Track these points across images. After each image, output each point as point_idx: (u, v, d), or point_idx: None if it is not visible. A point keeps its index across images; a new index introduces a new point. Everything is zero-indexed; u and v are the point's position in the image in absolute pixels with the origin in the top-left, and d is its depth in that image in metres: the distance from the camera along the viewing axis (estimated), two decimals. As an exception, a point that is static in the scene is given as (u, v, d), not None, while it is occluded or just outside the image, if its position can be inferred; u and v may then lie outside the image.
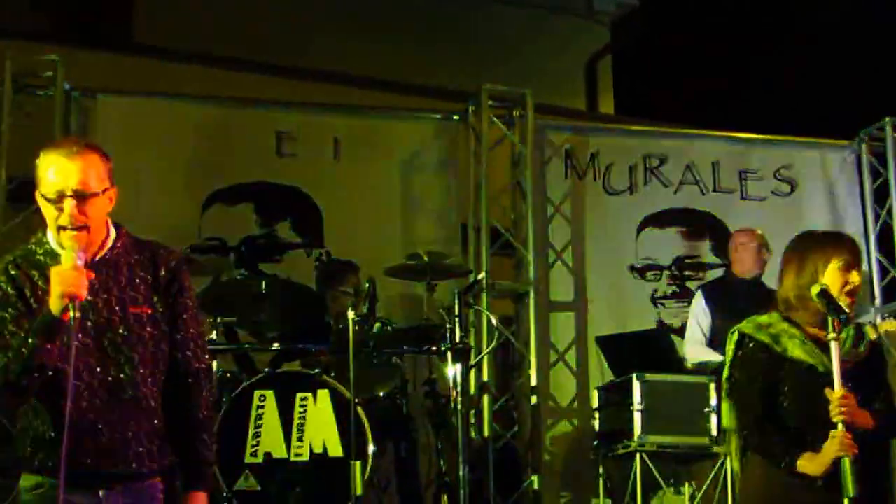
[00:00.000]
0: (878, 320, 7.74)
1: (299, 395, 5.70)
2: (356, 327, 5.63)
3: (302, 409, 5.67)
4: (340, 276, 6.82)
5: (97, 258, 3.38)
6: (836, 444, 3.83)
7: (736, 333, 4.15)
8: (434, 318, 6.40)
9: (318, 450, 5.63)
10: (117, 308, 3.37)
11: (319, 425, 5.66)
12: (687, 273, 8.24)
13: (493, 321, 7.14)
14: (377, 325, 6.30)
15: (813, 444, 3.90)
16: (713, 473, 6.73)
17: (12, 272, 3.36)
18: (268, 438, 5.64)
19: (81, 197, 3.30)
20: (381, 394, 6.25)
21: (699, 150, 8.46)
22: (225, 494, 5.50)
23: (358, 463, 5.40)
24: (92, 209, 3.33)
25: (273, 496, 5.59)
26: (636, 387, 6.52)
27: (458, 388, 6.13)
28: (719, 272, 7.96)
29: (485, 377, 7.40)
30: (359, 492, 5.39)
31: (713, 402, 6.50)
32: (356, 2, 10.95)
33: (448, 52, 10.94)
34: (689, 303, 7.39)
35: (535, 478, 7.42)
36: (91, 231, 3.34)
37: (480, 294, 7.37)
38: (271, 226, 7.72)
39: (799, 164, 8.55)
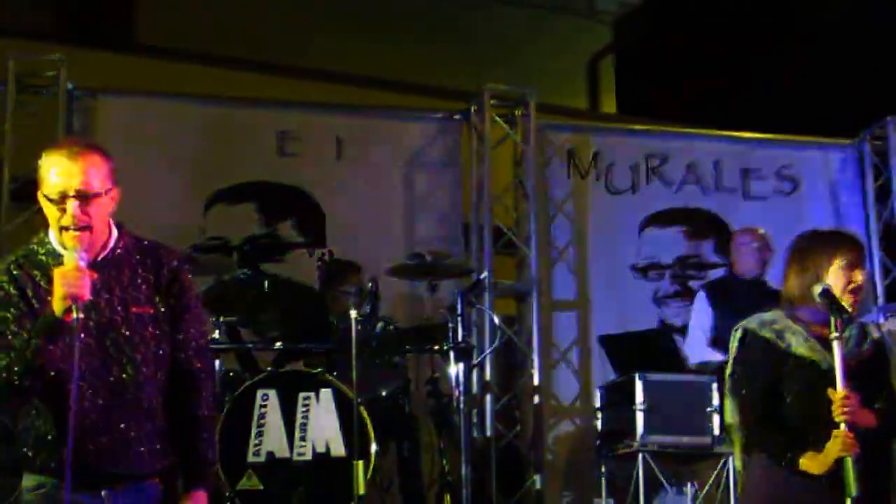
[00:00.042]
0: (881, 319, 7.75)
1: (302, 395, 5.70)
2: (359, 327, 5.63)
3: (304, 409, 5.68)
4: (343, 276, 6.82)
5: (99, 258, 3.38)
6: (838, 443, 3.84)
7: (740, 330, 4.16)
8: (436, 317, 6.40)
9: (320, 449, 5.63)
10: (119, 308, 3.38)
11: (322, 425, 5.66)
12: (689, 272, 8.24)
13: (496, 320, 7.14)
14: (380, 324, 6.31)
15: (815, 443, 3.90)
16: (715, 473, 6.73)
17: (14, 272, 3.37)
18: (270, 438, 5.64)
19: (84, 197, 3.30)
20: (384, 393, 6.25)
21: (701, 150, 8.47)
22: (228, 494, 5.50)
23: (360, 462, 5.40)
24: (94, 209, 3.33)
25: (275, 496, 5.59)
26: (638, 386, 6.52)
27: (461, 388, 6.13)
28: (721, 272, 7.96)
29: (487, 377, 7.40)
30: (361, 491, 5.39)
31: (715, 401, 6.50)
32: (357, 1, 10.95)
33: (450, 52, 10.94)
34: (691, 302, 7.39)
35: (537, 477, 7.43)
36: (93, 231, 3.35)
37: (483, 293, 7.37)
38: (273, 225, 7.73)
39: (801, 164, 8.55)
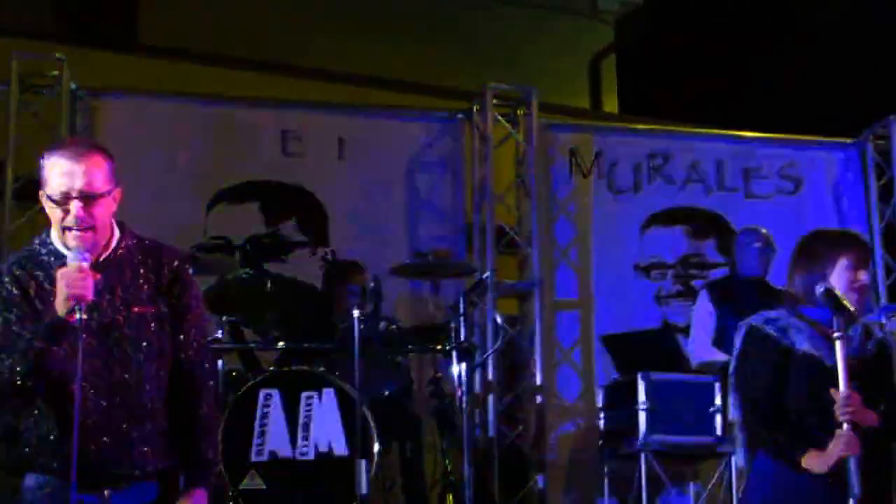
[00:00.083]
0: (883, 319, 7.74)
1: (304, 395, 5.71)
2: (361, 326, 5.63)
3: (307, 409, 5.68)
4: (346, 276, 6.83)
5: (101, 258, 3.37)
6: (841, 443, 3.84)
7: (744, 326, 4.16)
8: (439, 317, 6.40)
9: (323, 449, 5.64)
10: (122, 308, 3.37)
11: (325, 424, 5.66)
12: (691, 272, 8.24)
13: (498, 320, 7.14)
14: (382, 324, 6.31)
15: (818, 441, 3.90)
16: (718, 473, 6.73)
17: (16, 273, 3.36)
18: (273, 437, 5.65)
19: (87, 198, 3.30)
20: (387, 393, 6.25)
21: (703, 149, 8.46)
22: (230, 493, 5.50)
23: (363, 462, 5.41)
24: (97, 210, 3.32)
25: (278, 495, 5.60)
26: (641, 386, 6.52)
27: (463, 388, 6.14)
28: (723, 271, 7.96)
29: (489, 376, 7.40)
30: (364, 491, 5.40)
31: (718, 401, 6.51)
32: (359, 1, 10.95)
33: (452, 52, 10.93)
34: (694, 302, 7.38)
35: (539, 477, 7.43)
36: (96, 231, 3.34)
37: (485, 293, 7.37)
38: (276, 225, 7.72)
39: (803, 163, 8.55)
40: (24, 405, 3.35)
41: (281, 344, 6.30)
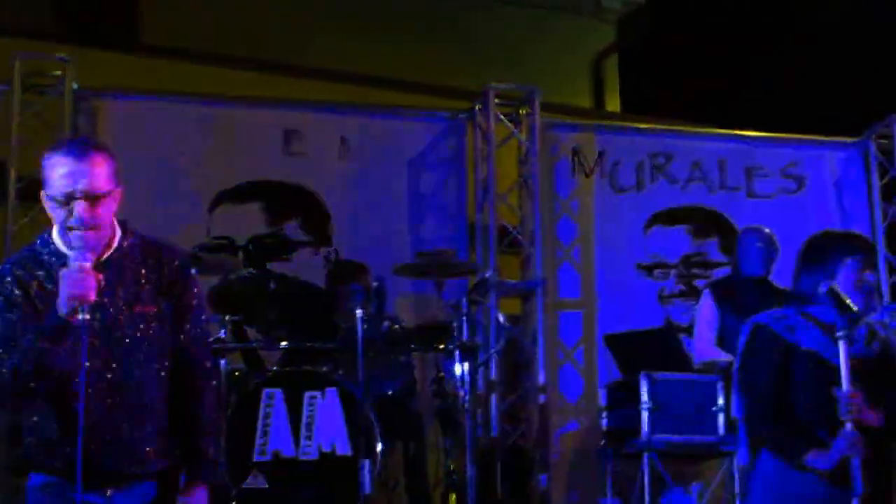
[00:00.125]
0: (887, 318, 7.73)
1: (308, 394, 5.71)
2: (364, 326, 5.63)
3: (310, 408, 5.68)
4: (349, 276, 6.83)
5: (103, 258, 3.37)
6: (844, 442, 3.84)
7: (750, 324, 4.16)
8: (442, 316, 6.40)
9: (326, 448, 5.64)
10: (123, 307, 3.38)
11: (328, 424, 5.67)
12: (694, 271, 8.24)
13: (501, 320, 7.14)
14: (385, 323, 6.31)
15: (822, 440, 3.91)
16: (721, 472, 6.73)
17: (17, 273, 3.36)
18: (276, 437, 5.65)
19: (91, 197, 3.30)
20: (390, 393, 6.25)
21: (706, 148, 8.46)
22: (233, 493, 5.50)
23: (366, 462, 5.41)
24: (101, 209, 3.32)
25: (281, 495, 5.60)
26: (644, 385, 6.52)
27: (466, 387, 6.14)
28: (726, 271, 7.96)
29: (492, 376, 7.40)
30: (367, 490, 5.40)
31: (721, 401, 6.51)
32: (361, 1, 10.95)
33: (454, 52, 10.93)
34: (696, 301, 7.38)
35: (542, 476, 7.43)
36: (99, 231, 3.34)
37: (488, 292, 7.38)
38: (279, 225, 7.73)
39: (806, 162, 8.54)
40: (26, 405, 3.36)
41: (284, 343, 6.30)
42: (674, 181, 8.33)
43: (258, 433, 5.65)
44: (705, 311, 7.02)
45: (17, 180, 7.11)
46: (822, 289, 3.98)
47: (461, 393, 6.15)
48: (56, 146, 3.38)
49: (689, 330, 7.52)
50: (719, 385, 6.52)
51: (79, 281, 3.19)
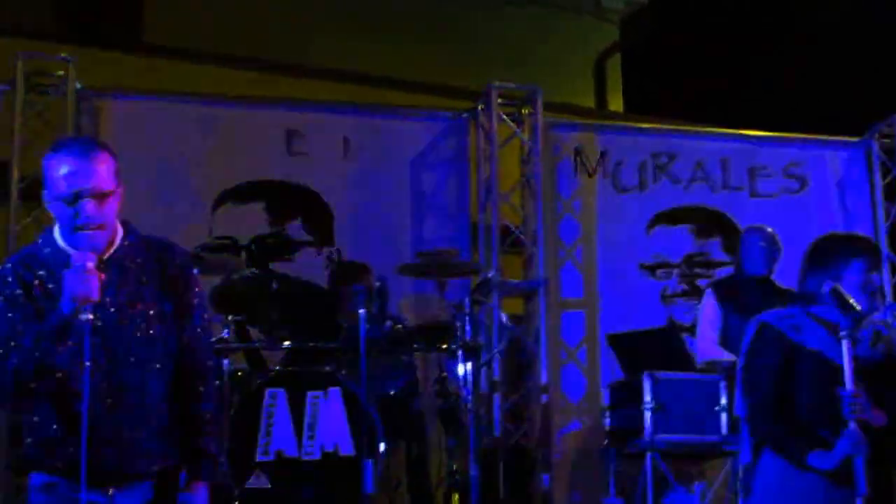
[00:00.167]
0: (890, 317, 7.73)
1: (310, 394, 5.71)
2: (367, 326, 5.63)
3: (313, 408, 5.68)
4: (352, 276, 6.83)
5: (106, 257, 3.37)
6: (847, 442, 3.84)
7: (756, 322, 4.16)
8: (444, 316, 6.40)
9: (329, 448, 5.64)
10: (125, 307, 3.37)
11: (330, 424, 5.67)
12: (696, 271, 8.24)
13: (503, 319, 7.14)
14: (388, 323, 6.31)
15: (825, 439, 3.91)
16: (723, 472, 6.73)
17: (19, 272, 3.36)
18: (278, 437, 5.65)
19: (99, 196, 3.30)
20: (392, 392, 6.25)
21: (708, 148, 8.46)
22: (236, 493, 5.50)
23: (369, 462, 5.41)
24: (107, 207, 3.33)
25: (284, 494, 5.60)
26: (647, 385, 6.51)
27: (469, 387, 6.14)
28: (728, 270, 7.96)
29: (495, 375, 7.40)
30: (369, 490, 5.40)
31: (724, 400, 6.50)
32: (363, 1, 10.96)
33: (457, 51, 10.94)
34: (699, 301, 7.37)
35: (544, 476, 7.43)
36: (106, 229, 3.35)
37: (491, 292, 7.37)
38: (281, 225, 7.73)
39: (808, 162, 8.54)
40: (26, 405, 3.35)
41: (287, 343, 6.30)
42: (676, 181, 8.33)
43: (261, 433, 5.65)
44: (708, 310, 7.02)
45: (20, 180, 7.12)
46: (825, 288, 3.98)
47: (464, 393, 6.16)
48: (57, 146, 3.38)
49: (691, 329, 7.51)
50: (722, 385, 6.51)
51: (82, 281, 3.18)
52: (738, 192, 8.42)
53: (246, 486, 5.55)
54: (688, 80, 11.85)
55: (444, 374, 6.48)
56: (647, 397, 6.50)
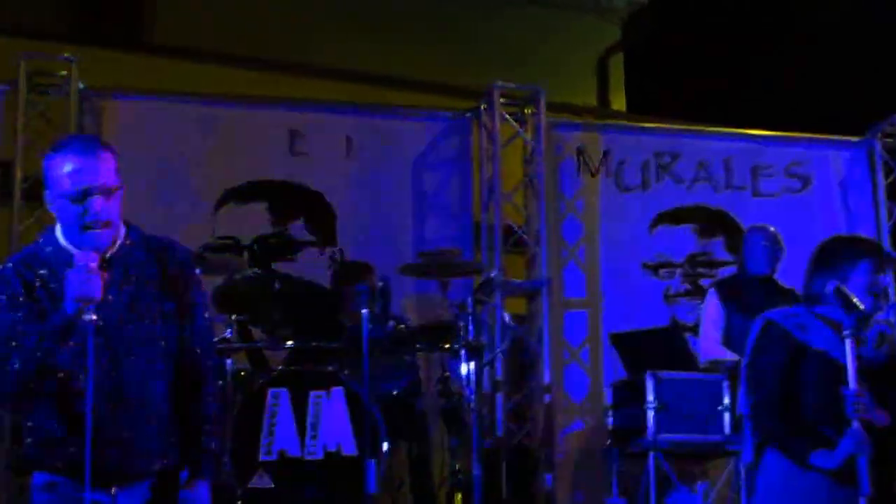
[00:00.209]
0: (893, 317, 7.73)
1: (313, 394, 5.70)
2: (370, 326, 5.63)
3: (316, 407, 5.68)
4: (355, 276, 6.83)
5: (107, 256, 3.36)
6: (851, 442, 3.84)
7: (762, 320, 4.16)
8: (447, 316, 6.40)
9: (331, 448, 5.64)
10: (127, 306, 3.37)
11: (333, 424, 5.66)
12: (699, 270, 8.24)
13: (506, 319, 7.13)
14: (390, 323, 6.30)
15: (829, 438, 3.90)
16: (727, 472, 6.72)
17: (21, 272, 3.35)
18: (281, 436, 5.65)
19: (107, 193, 3.30)
20: (395, 392, 6.25)
21: (711, 147, 8.45)
22: (238, 492, 5.50)
23: (372, 461, 5.41)
24: (114, 205, 3.33)
25: (286, 494, 5.60)
26: (650, 385, 6.51)
27: (472, 387, 6.14)
28: (731, 270, 7.95)
29: (497, 375, 7.40)
30: (372, 490, 5.39)
31: (727, 400, 6.50)
32: (365, 1, 10.95)
33: (459, 51, 10.94)
34: (702, 300, 7.37)
35: (547, 475, 7.42)
36: (112, 227, 3.35)
37: (493, 292, 7.37)
38: (284, 224, 7.73)
39: (811, 161, 8.54)
40: (28, 405, 3.35)
41: (289, 343, 6.30)
42: (679, 180, 8.32)
43: (263, 433, 5.64)
44: (711, 310, 7.02)
45: (23, 180, 7.12)
46: (828, 287, 3.98)
47: (466, 392, 6.16)
48: (59, 145, 3.38)
49: (694, 329, 7.51)
50: (725, 384, 6.50)
51: (85, 281, 3.18)
52: (741, 192, 8.41)
53: (249, 486, 5.55)
54: (689, 80, 11.86)
55: (447, 373, 6.48)
56: (650, 397, 6.50)
